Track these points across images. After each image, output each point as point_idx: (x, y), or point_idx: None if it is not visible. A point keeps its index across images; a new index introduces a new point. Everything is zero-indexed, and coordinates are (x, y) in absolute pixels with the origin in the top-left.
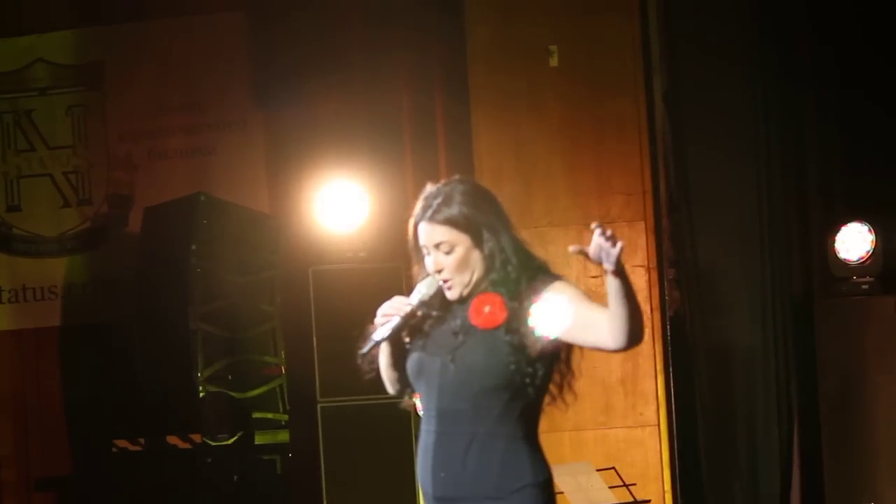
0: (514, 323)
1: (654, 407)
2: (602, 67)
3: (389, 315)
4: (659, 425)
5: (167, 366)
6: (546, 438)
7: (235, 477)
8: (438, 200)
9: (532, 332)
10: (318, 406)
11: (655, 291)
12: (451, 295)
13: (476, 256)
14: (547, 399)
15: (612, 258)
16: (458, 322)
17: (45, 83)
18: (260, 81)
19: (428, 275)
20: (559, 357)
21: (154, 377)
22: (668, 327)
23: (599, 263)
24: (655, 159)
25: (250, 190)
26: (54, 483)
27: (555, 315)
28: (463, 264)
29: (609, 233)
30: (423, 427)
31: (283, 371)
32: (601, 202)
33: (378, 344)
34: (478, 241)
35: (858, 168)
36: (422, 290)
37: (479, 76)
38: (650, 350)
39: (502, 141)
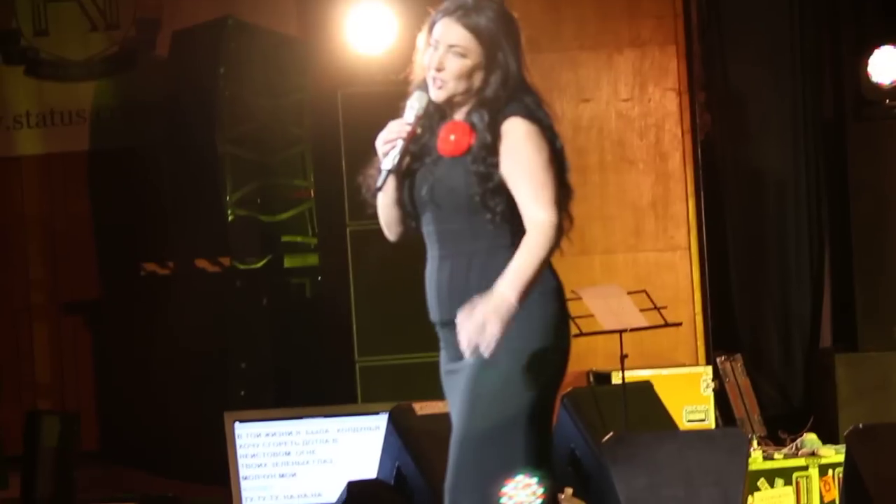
0: (480, 152)
1: (684, 230)
2: None
3: (392, 140)
4: (690, 248)
5: (195, 189)
6: (576, 261)
7: (264, 300)
8: (469, 5)
9: (496, 163)
10: (348, 229)
11: (686, 115)
12: (436, 95)
13: (479, 75)
14: None
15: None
16: (433, 153)
17: None
18: None
19: (417, 90)
20: None
21: (182, 201)
22: (699, 151)
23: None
24: None
25: (278, 13)
26: (83, 307)
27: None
28: (465, 75)
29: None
30: (428, 253)
31: (312, 194)
32: (631, 25)
33: (391, 173)
34: (489, 60)
35: None
36: (415, 106)
37: None
38: (681, 173)
39: None
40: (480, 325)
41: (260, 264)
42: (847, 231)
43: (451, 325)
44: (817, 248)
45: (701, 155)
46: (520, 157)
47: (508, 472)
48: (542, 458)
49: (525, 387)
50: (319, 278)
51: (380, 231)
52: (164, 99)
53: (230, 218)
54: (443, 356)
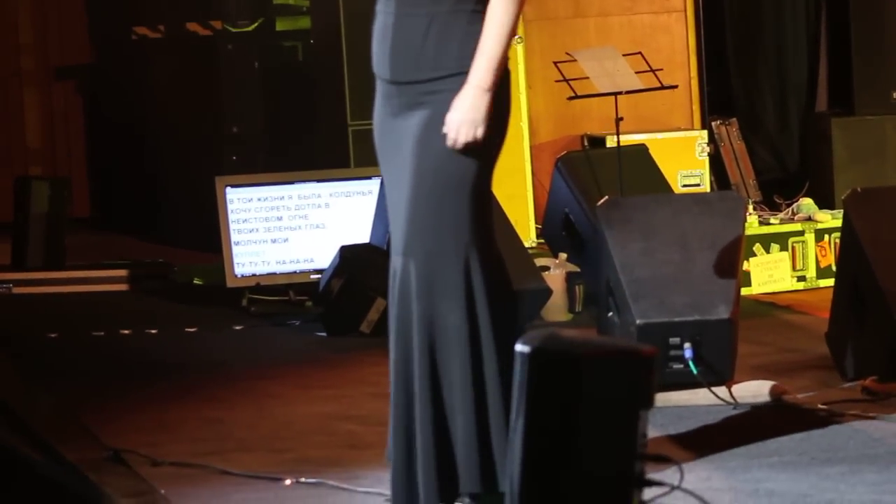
0: None
1: None
2: None
3: None
4: (686, 10)
5: None
6: (571, 24)
7: (256, 64)
8: None
9: None
10: None
11: None
12: None
13: None
14: None
15: None
16: None
17: None
18: None
19: None
20: None
21: None
22: None
23: None
24: None
25: None
26: (74, 71)
27: None
28: None
29: None
30: (380, 8)
31: None
32: None
33: None
34: None
35: None
36: None
37: None
38: None
39: None
40: (462, 121)
41: (251, 27)
42: None
43: (397, 83)
44: (814, 11)
45: None
46: None
47: (454, 231)
48: (482, 224)
49: (466, 161)
50: (311, 41)
51: None
52: None
53: None
54: (378, 111)
